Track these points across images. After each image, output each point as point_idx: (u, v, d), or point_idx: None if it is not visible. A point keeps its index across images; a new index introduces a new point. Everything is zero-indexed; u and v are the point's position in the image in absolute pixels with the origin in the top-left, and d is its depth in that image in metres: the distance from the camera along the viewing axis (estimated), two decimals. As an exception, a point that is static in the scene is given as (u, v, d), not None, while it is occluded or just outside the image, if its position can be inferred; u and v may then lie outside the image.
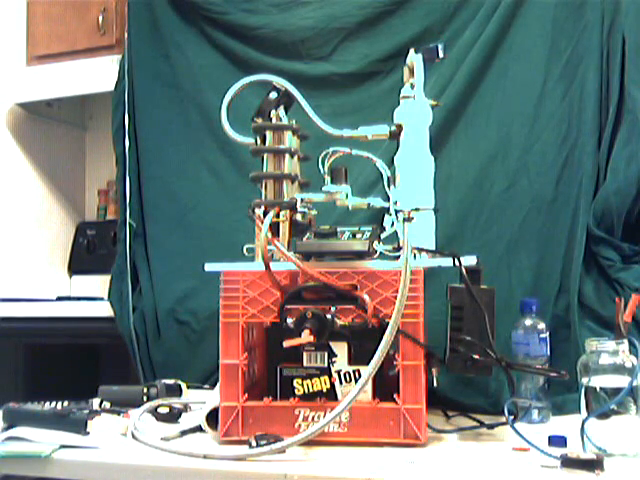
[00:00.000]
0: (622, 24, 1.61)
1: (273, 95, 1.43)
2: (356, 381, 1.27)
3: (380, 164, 1.39)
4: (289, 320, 1.25)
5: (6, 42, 2.46)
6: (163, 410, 1.46)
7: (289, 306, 1.26)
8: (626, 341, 1.19)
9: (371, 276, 1.25)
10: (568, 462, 1.05)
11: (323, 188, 1.39)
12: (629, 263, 1.58)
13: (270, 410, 1.27)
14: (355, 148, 1.39)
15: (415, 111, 1.40)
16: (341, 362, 1.29)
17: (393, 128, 1.40)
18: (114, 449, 1.23)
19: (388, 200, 1.36)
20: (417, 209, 1.35)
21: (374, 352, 1.16)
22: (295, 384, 1.29)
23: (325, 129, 1.42)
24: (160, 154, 2.04)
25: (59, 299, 2.49)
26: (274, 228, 1.33)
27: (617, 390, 1.12)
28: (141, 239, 2.04)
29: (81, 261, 2.68)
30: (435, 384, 1.29)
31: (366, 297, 1.24)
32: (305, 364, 1.30)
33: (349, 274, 1.26)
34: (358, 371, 1.28)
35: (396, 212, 1.32)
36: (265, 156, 1.42)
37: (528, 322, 1.44)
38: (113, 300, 2.03)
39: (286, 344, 1.21)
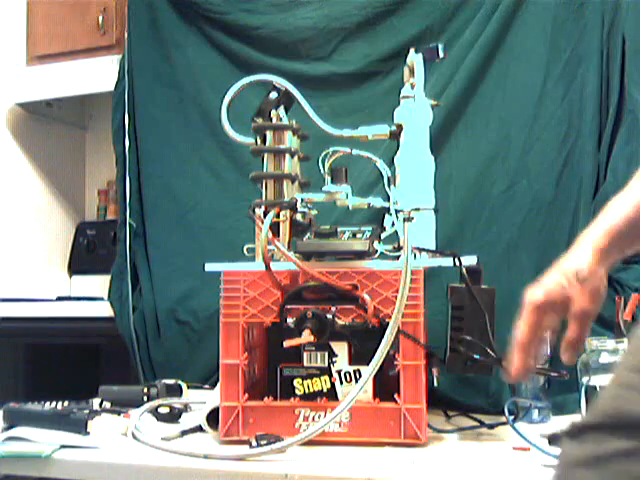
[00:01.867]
0: (622, 24, 1.61)
1: (273, 95, 1.43)
2: (356, 381, 1.27)
3: (380, 164, 1.39)
4: (289, 320, 1.25)
5: (6, 42, 2.46)
6: (163, 410, 1.46)
7: (289, 306, 1.26)
8: (626, 340, 1.19)
9: (371, 276, 1.25)
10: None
11: (323, 188, 1.39)
12: (629, 263, 1.57)
13: (270, 410, 1.27)
14: (355, 148, 1.39)
15: (415, 111, 1.40)
16: (341, 362, 1.29)
17: (393, 128, 1.40)
18: (114, 449, 1.22)
19: (388, 200, 1.36)
20: (417, 209, 1.35)
21: (374, 352, 1.16)
22: (295, 384, 1.29)
23: (325, 129, 1.42)
24: (160, 154, 2.04)
25: (59, 299, 2.49)
26: (274, 228, 1.33)
27: (617, 390, 1.12)
28: (141, 239, 2.04)
29: (81, 261, 2.68)
30: (436, 384, 1.29)
31: (366, 297, 1.24)
32: (305, 364, 1.30)
33: (349, 274, 1.26)
34: (358, 371, 1.28)
35: (396, 212, 1.32)
36: (265, 156, 1.42)
37: (528, 322, 1.44)
38: (113, 300, 2.03)
39: (286, 344, 1.21)
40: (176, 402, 1.53)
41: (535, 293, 0.89)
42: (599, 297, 0.86)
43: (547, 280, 0.89)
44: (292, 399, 1.28)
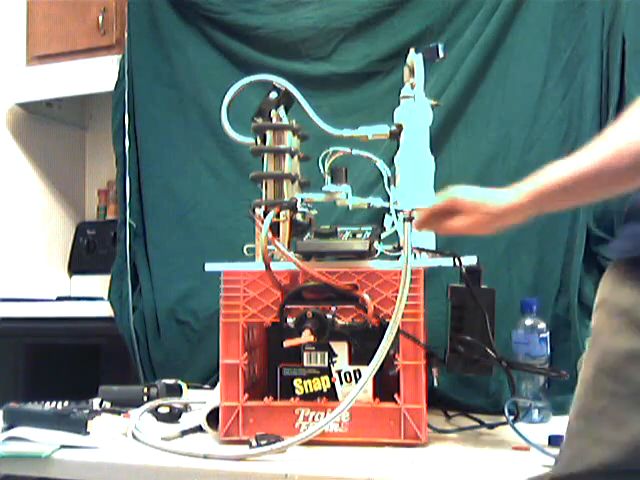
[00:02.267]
0: (622, 24, 1.61)
1: (273, 95, 1.43)
2: (356, 381, 1.27)
3: (380, 164, 1.39)
4: (289, 320, 1.25)
5: (6, 42, 2.46)
6: (163, 410, 1.46)
7: (289, 306, 1.26)
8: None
9: (371, 276, 1.25)
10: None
11: (323, 188, 1.39)
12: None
13: (270, 410, 1.27)
14: (355, 148, 1.39)
15: (415, 111, 1.40)
16: (341, 362, 1.29)
17: (393, 128, 1.40)
18: (114, 449, 1.23)
19: (388, 200, 1.36)
20: (417, 209, 1.35)
21: (374, 352, 1.16)
22: (295, 384, 1.30)
23: (325, 129, 1.42)
24: (160, 154, 2.04)
25: (59, 299, 2.49)
26: (274, 228, 1.33)
27: (617, 390, 1.12)
28: (141, 239, 2.04)
29: (81, 261, 2.68)
30: (436, 384, 1.29)
31: (366, 297, 1.24)
32: (305, 364, 1.30)
33: (349, 274, 1.26)
34: (358, 371, 1.28)
35: (396, 212, 1.32)
36: (265, 156, 1.42)
37: (528, 322, 1.45)
38: (113, 300, 2.03)
39: (286, 344, 1.21)
40: (176, 402, 1.53)
41: (460, 196, 1.07)
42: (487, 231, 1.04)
43: (472, 194, 1.05)
44: (292, 399, 1.28)
